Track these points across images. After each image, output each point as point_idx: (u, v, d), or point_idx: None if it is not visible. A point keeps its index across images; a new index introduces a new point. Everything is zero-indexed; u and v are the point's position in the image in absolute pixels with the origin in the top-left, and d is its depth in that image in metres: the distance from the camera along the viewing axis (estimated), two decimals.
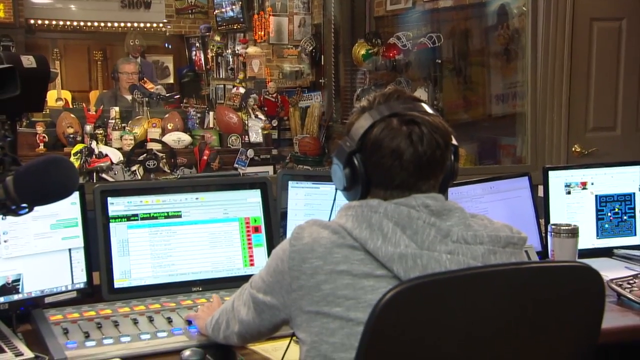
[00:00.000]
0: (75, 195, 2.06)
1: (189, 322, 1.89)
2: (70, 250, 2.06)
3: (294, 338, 1.44)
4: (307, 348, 1.38)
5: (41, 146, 4.12)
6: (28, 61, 1.74)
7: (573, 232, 2.40)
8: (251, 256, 2.26)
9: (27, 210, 1.39)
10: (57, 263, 2.04)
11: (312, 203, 2.36)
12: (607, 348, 1.69)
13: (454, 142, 1.45)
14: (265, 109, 4.81)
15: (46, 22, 6.28)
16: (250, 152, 4.48)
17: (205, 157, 4.34)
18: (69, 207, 2.05)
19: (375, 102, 1.42)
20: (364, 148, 1.40)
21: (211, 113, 4.65)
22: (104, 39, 6.58)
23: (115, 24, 6.36)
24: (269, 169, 4.52)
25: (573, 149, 4.02)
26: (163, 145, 4.30)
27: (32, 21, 6.13)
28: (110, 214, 2.13)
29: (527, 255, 2.37)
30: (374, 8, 5.28)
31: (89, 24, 6.40)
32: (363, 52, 4.90)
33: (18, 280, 1.97)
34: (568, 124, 4.00)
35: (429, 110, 1.41)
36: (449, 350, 1.25)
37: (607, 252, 2.68)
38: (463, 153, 4.77)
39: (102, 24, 6.40)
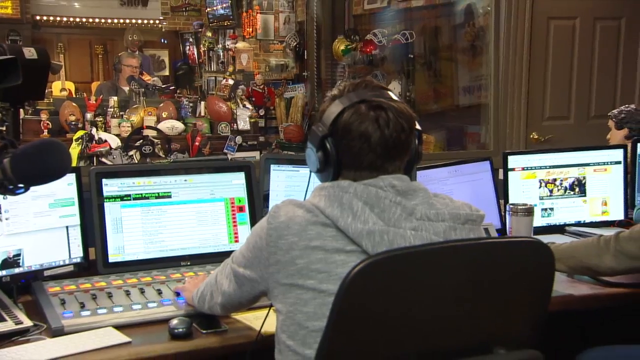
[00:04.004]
0: (72, 177, 2.04)
1: (177, 294, 1.88)
2: (67, 227, 2.04)
3: (272, 308, 1.43)
4: (283, 317, 1.37)
5: (45, 132, 4.05)
6: (30, 52, 1.71)
7: (529, 211, 2.40)
8: (236, 233, 2.23)
9: (23, 190, 1.36)
10: (55, 239, 2.01)
11: (293, 185, 2.35)
12: (556, 315, 1.68)
13: (418, 127, 1.44)
14: (253, 99, 4.76)
15: (51, 18, 6.18)
16: (239, 139, 4.45)
17: (197, 143, 4.30)
18: (66, 187, 2.02)
19: (345, 91, 1.41)
20: (335, 132, 1.38)
21: (202, 103, 4.59)
22: (104, 34, 6.49)
23: (115, 21, 6.27)
24: (256, 154, 4.48)
25: (531, 136, 4.04)
26: (158, 132, 4.25)
27: (38, 17, 6.03)
28: (105, 194, 2.10)
29: (488, 232, 2.38)
30: (353, 7, 5.26)
31: (90, 20, 6.31)
32: (342, 47, 4.88)
33: (19, 255, 1.94)
34: (527, 114, 4.02)
35: (395, 97, 1.40)
36: (412, 319, 1.25)
37: (560, 229, 2.69)
38: (433, 140, 4.77)
39: (103, 20, 6.31)
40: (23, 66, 1.43)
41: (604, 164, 2.75)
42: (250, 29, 5.27)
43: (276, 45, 5.22)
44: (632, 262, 1.94)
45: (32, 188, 1.41)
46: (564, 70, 4.07)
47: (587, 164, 2.73)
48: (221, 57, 5.67)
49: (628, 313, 1.97)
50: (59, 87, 5.35)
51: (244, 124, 4.57)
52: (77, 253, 2.06)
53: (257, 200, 2.29)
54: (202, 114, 4.54)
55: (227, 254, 1.62)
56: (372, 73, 4.88)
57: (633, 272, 1.99)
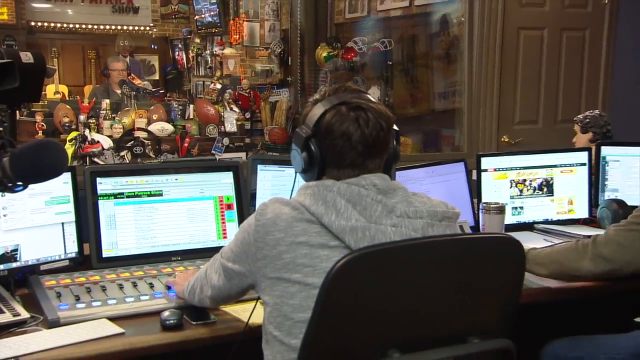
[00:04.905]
0: (67, 176, 2.02)
1: (168, 287, 1.87)
2: (63, 224, 2.02)
3: (260, 301, 1.43)
4: (270, 309, 1.38)
5: (40, 133, 4.01)
6: (26, 57, 1.70)
7: (500, 209, 2.43)
8: (224, 230, 2.23)
9: (22, 187, 1.35)
10: (51, 235, 2.00)
11: (278, 184, 2.35)
12: (527, 307, 1.70)
13: (396, 127, 1.45)
14: (240, 102, 4.74)
15: (45, 24, 6.10)
16: (226, 140, 4.43)
17: (186, 144, 4.28)
18: (62, 185, 2.01)
19: (326, 95, 1.42)
20: (318, 133, 1.39)
21: (191, 106, 4.57)
22: (97, 39, 6.42)
23: (107, 27, 6.21)
24: (243, 155, 4.47)
25: (502, 139, 4.06)
26: (149, 134, 4.22)
27: (32, 23, 5.95)
28: (99, 192, 2.09)
29: (462, 229, 2.39)
30: (335, 16, 5.26)
31: (83, 26, 6.23)
32: (325, 54, 4.88)
33: (16, 250, 1.93)
34: (498, 118, 4.04)
35: (373, 100, 1.41)
36: (392, 310, 1.25)
37: (529, 227, 2.72)
38: (410, 142, 4.78)
39: (96, 27, 6.24)
40: (20, 70, 1.42)
41: (570, 165, 2.79)
42: (237, 36, 5.25)
43: (261, 52, 5.21)
44: (608, 265, 1.93)
45: (29, 186, 1.40)
46: (533, 77, 4.11)
47: (555, 166, 2.77)
48: (209, 62, 5.65)
49: (591, 305, 2.00)
50: (52, 90, 5.29)
51: (230, 126, 4.56)
52: (72, 248, 2.04)
53: (245, 199, 2.29)
54: (191, 116, 4.52)
55: (216, 249, 1.62)
56: (352, 79, 4.88)
57: (611, 277, 1.96)
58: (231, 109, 4.64)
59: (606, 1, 4.15)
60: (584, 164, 2.80)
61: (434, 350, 1.25)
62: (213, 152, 4.38)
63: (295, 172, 1.48)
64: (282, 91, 5.00)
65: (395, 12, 5.10)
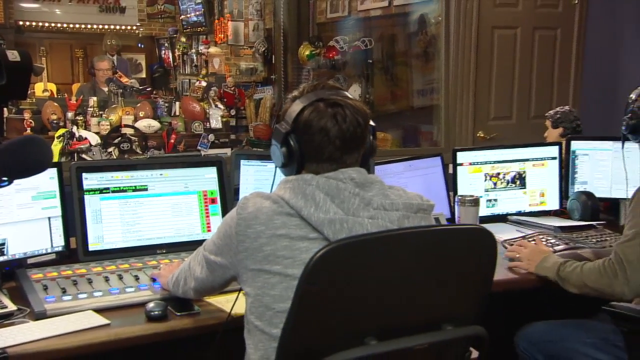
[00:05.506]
0: (54, 171, 2.00)
1: (153, 280, 1.85)
2: (49, 218, 2.00)
3: (242, 292, 1.42)
4: (252, 300, 1.37)
5: (28, 130, 3.95)
6: (13, 55, 1.66)
7: (475, 202, 2.44)
8: (208, 223, 2.22)
9: (7, 182, 1.33)
10: (38, 229, 1.98)
11: (261, 179, 2.34)
12: (499, 295, 1.72)
13: (372, 123, 1.45)
14: (225, 100, 4.71)
15: (34, 23, 6.02)
16: (211, 137, 4.40)
17: (172, 141, 4.25)
18: (48, 181, 1.99)
19: (305, 92, 1.41)
20: (297, 128, 1.38)
21: (177, 103, 4.53)
22: (84, 39, 6.35)
23: (95, 26, 6.13)
24: (228, 151, 4.43)
25: (478, 134, 4.08)
26: (135, 130, 4.18)
27: (21, 23, 5.87)
28: (85, 187, 2.06)
29: (438, 220, 2.41)
30: (317, 16, 5.25)
31: (71, 25, 6.16)
32: (307, 52, 4.87)
33: (3, 244, 1.90)
34: (474, 114, 4.06)
35: (350, 96, 1.41)
36: (369, 299, 1.25)
37: (503, 218, 2.74)
38: (390, 138, 4.79)
39: (83, 26, 6.17)
40: (6, 68, 1.39)
41: (541, 159, 2.81)
42: (222, 35, 5.22)
43: (246, 51, 5.19)
44: None
45: (15, 181, 1.38)
46: (507, 74, 4.13)
47: (527, 160, 2.79)
48: (195, 60, 5.61)
49: (560, 292, 2.01)
50: (41, 88, 5.21)
51: (216, 122, 4.53)
52: (59, 242, 2.02)
53: (228, 193, 2.27)
54: (177, 113, 4.49)
55: (200, 242, 1.61)
56: (334, 76, 4.88)
57: None
58: (216, 106, 4.61)
59: (576, 1, 4.18)
60: (554, 158, 2.82)
61: (409, 337, 1.26)
62: (199, 148, 4.35)
63: (276, 167, 1.48)
64: (266, 89, 4.98)
65: (375, 12, 5.10)
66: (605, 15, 4.24)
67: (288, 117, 1.39)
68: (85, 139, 3.95)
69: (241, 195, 2.29)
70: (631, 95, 2.01)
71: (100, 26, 6.13)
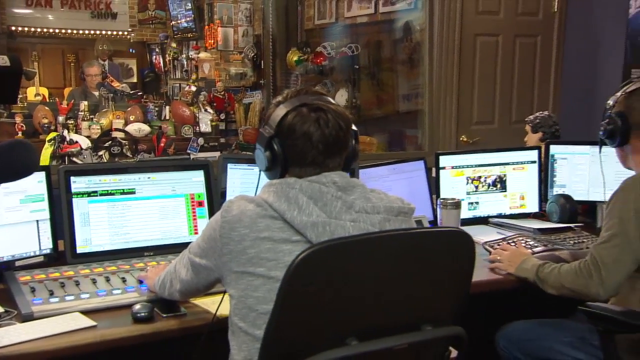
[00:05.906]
0: (42, 175, 1.98)
1: (140, 282, 1.85)
2: (37, 221, 1.98)
3: (227, 293, 1.42)
4: (236, 302, 1.36)
5: (19, 134, 3.92)
6: (2, 60, 1.64)
7: (457, 205, 2.44)
8: (195, 226, 2.21)
9: None
10: (26, 232, 1.96)
11: (248, 182, 2.33)
12: (481, 296, 1.72)
13: (354, 127, 1.44)
14: (214, 104, 4.70)
15: (26, 28, 5.96)
16: (201, 140, 4.39)
17: (162, 144, 4.23)
18: (36, 184, 1.97)
19: (288, 97, 1.41)
20: (280, 133, 1.38)
21: (167, 107, 4.52)
22: (76, 44, 6.28)
23: (86, 32, 6.08)
24: (217, 154, 4.42)
25: (461, 138, 4.10)
26: (126, 134, 4.16)
27: (13, 28, 5.82)
28: (73, 190, 2.04)
29: (421, 223, 2.41)
30: (305, 22, 5.25)
31: (63, 31, 6.10)
32: (295, 58, 4.87)
33: None
34: (457, 119, 4.08)
35: (333, 101, 1.41)
36: (351, 300, 1.25)
37: (484, 220, 2.75)
38: (376, 142, 4.79)
39: (75, 31, 6.11)
40: None
41: (521, 163, 2.82)
42: (212, 41, 5.21)
43: (235, 56, 5.18)
44: (617, 283, 1.83)
45: (3, 185, 1.37)
46: (489, 80, 4.15)
47: (507, 163, 2.80)
48: (185, 66, 5.59)
49: (538, 292, 2.01)
50: (33, 92, 5.17)
51: (205, 126, 4.52)
52: (47, 245, 2.00)
53: (215, 196, 2.26)
54: (167, 117, 4.47)
55: (187, 245, 1.60)
56: (322, 82, 4.88)
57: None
58: (206, 110, 4.60)
59: (556, 10, 4.21)
60: (534, 162, 2.83)
61: (389, 338, 1.25)
62: (188, 151, 4.34)
63: (260, 171, 1.47)
64: (255, 93, 4.97)
65: (362, 19, 5.11)
66: (584, 24, 4.28)
67: (272, 122, 1.39)
68: (76, 142, 3.93)
69: (228, 198, 2.28)
70: (608, 101, 2.03)
71: (92, 32, 6.07)
